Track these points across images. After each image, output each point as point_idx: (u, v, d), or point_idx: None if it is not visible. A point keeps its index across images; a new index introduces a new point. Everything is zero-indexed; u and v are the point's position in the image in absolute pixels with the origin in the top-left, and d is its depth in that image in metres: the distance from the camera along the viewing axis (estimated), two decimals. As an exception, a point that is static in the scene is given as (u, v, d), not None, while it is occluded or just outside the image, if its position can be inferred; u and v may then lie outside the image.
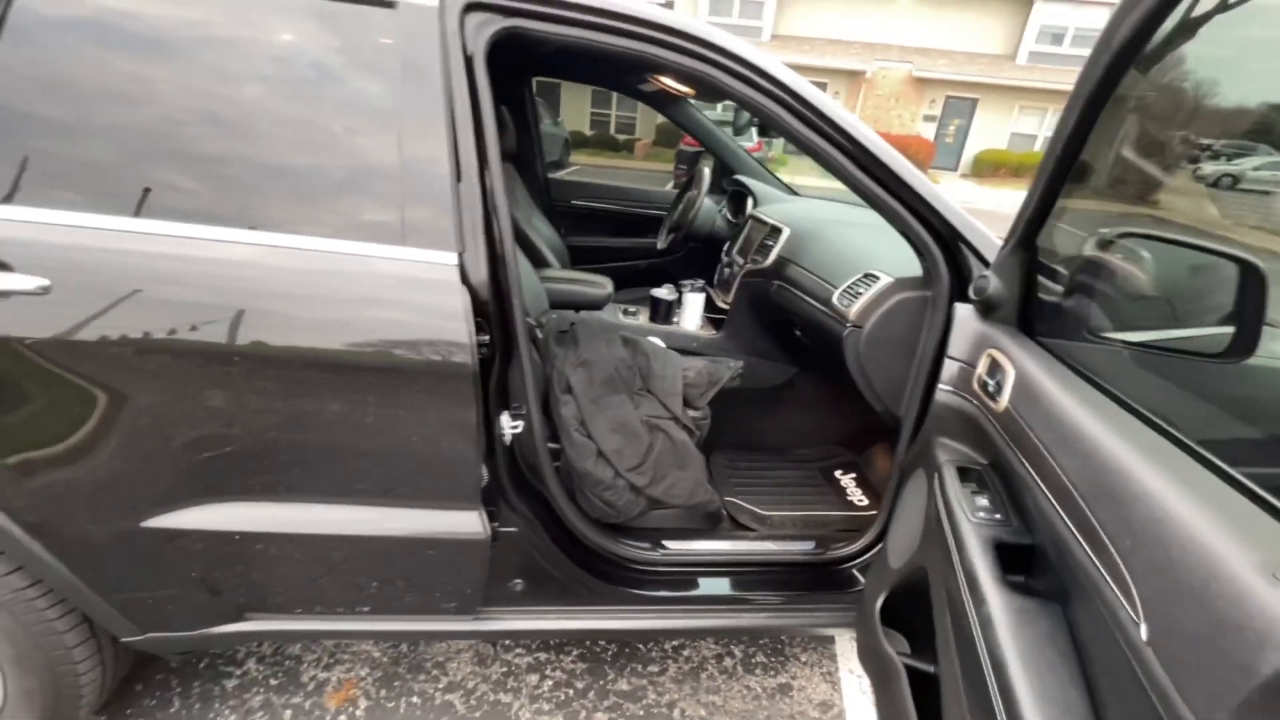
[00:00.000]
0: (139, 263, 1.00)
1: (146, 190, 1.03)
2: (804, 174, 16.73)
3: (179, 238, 1.01)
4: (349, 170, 1.09)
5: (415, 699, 1.66)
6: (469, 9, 1.11)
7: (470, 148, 1.11)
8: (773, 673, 1.84)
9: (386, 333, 1.08)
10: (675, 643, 1.90)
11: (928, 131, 19.57)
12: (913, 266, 1.54)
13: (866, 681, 1.85)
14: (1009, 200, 15.21)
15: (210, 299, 1.03)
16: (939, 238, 1.33)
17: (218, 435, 1.09)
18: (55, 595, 1.19)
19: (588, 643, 1.87)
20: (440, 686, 1.70)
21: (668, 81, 2.27)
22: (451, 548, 1.23)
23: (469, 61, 1.11)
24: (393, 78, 1.07)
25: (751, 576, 1.59)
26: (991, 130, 19.28)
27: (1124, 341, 1.04)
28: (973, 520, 0.93)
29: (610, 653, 1.85)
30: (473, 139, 1.11)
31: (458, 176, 1.10)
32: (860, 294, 1.53)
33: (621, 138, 22.52)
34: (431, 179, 1.08)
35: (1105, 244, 1.10)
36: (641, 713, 1.67)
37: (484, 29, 1.12)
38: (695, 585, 1.55)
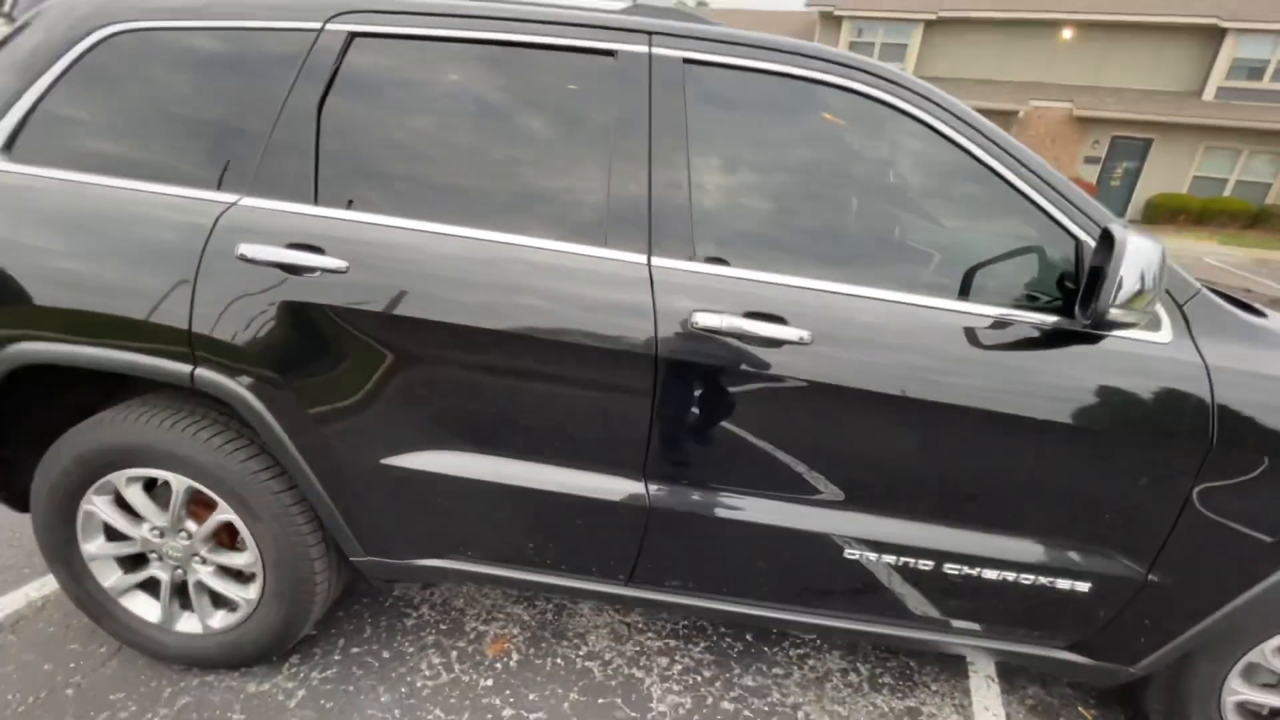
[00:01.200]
0: (418, 255, 1.30)
1: (427, 197, 1.34)
2: None
3: (450, 236, 1.31)
4: (573, 185, 1.35)
5: (559, 660, 1.84)
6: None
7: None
8: (900, 695, 1.82)
9: (583, 324, 1.29)
10: (800, 651, 1.94)
11: (1088, 173, 17.97)
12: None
13: (997, 697, 1.78)
14: (1190, 250, 13.56)
15: (441, 309, 1.30)
16: None
17: (449, 395, 1.36)
18: (311, 514, 1.51)
19: (714, 637, 1.97)
20: (580, 654, 1.87)
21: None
22: (616, 511, 1.40)
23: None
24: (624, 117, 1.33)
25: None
26: (1168, 173, 17.32)
27: None
28: None
29: (737, 650, 1.93)
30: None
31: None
32: None
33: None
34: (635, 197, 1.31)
35: None
36: (766, 708, 1.73)
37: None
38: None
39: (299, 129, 1.35)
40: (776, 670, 1.87)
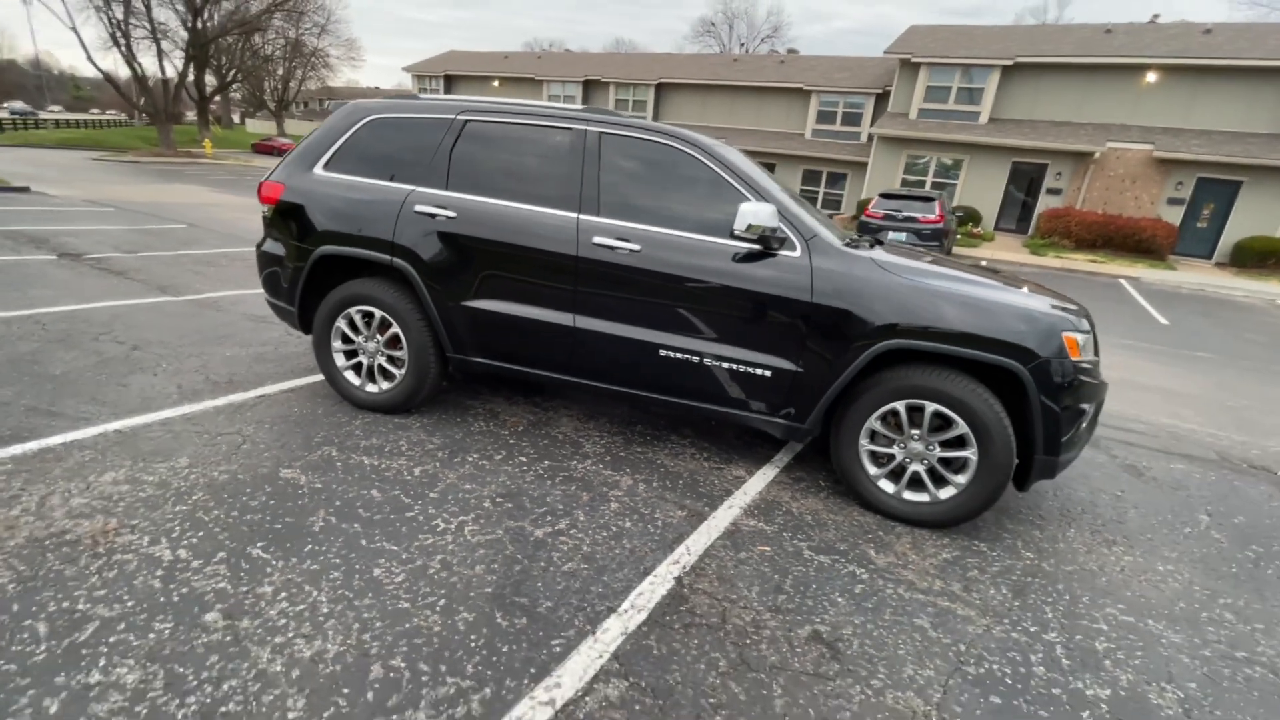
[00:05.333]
0: (486, 213, 3.10)
1: (490, 187, 3.14)
2: (1009, 250, 16.67)
3: (498, 204, 3.10)
4: (550, 184, 3.09)
5: (541, 433, 3.53)
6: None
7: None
8: (717, 463, 3.36)
9: (548, 241, 3.02)
10: (672, 447, 3.52)
11: (1171, 214, 17.73)
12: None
13: (772, 474, 3.29)
14: (1267, 292, 13.34)
15: (490, 233, 3.08)
16: None
17: (494, 272, 3.13)
18: (432, 331, 3.32)
19: (631, 437, 3.58)
20: (555, 431, 3.55)
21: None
22: (559, 330, 3.09)
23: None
24: (571, 156, 3.07)
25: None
26: (1260, 216, 16.82)
27: None
28: None
29: (639, 442, 3.54)
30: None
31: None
32: None
33: (827, 212, 23.89)
34: (571, 187, 3.04)
35: None
36: (644, 461, 3.33)
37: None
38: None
39: (442, 157, 3.21)
40: (657, 448, 3.46)
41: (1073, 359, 2.65)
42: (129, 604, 1.96)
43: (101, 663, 1.74)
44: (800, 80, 25.07)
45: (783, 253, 2.84)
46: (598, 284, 3.02)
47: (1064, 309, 2.79)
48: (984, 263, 14.14)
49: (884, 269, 2.79)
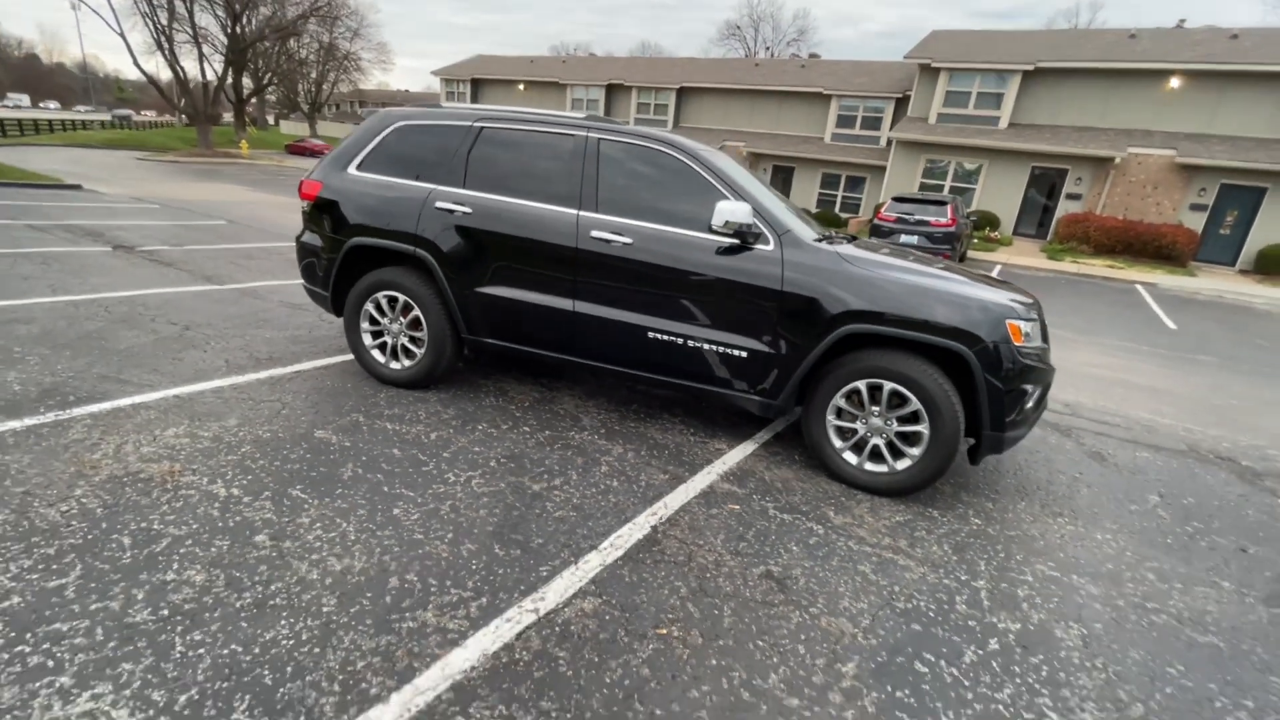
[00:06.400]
0: (498, 209, 3.49)
1: (502, 186, 3.53)
2: (1026, 254, 16.77)
3: (509, 200, 3.49)
4: (555, 184, 3.47)
5: (546, 408, 3.91)
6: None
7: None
8: (702, 436, 3.70)
9: (552, 234, 3.40)
10: (661, 423, 3.87)
11: (1194, 221, 17.55)
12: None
13: (751, 448, 3.62)
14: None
15: (501, 227, 3.47)
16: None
17: (504, 262, 3.52)
18: (448, 313, 3.72)
19: (626, 415, 3.95)
20: (558, 407, 3.93)
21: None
22: (562, 314, 3.47)
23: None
24: (573, 159, 3.45)
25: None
26: (1286, 223, 16.59)
27: None
28: None
29: (632, 419, 3.90)
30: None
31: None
32: None
33: (844, 216, 24.03)
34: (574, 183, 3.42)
35: None
36: (634, 432, 3.69)
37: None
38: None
39: (460, 159, 3.61)
40: (649, 423, 3.82)
41: (1016, 344, 2.94)
42: (194, 526, 2.38)
43: (175, 566, 2.15)
44: (820, 84, 25.23)
45: (758, 246, 3.18)
46: (594, 273, 3.39)
47: (1013, 300, 3.09)
48: (996, 269, 14.28)
49: (847, 261, 3.11)
